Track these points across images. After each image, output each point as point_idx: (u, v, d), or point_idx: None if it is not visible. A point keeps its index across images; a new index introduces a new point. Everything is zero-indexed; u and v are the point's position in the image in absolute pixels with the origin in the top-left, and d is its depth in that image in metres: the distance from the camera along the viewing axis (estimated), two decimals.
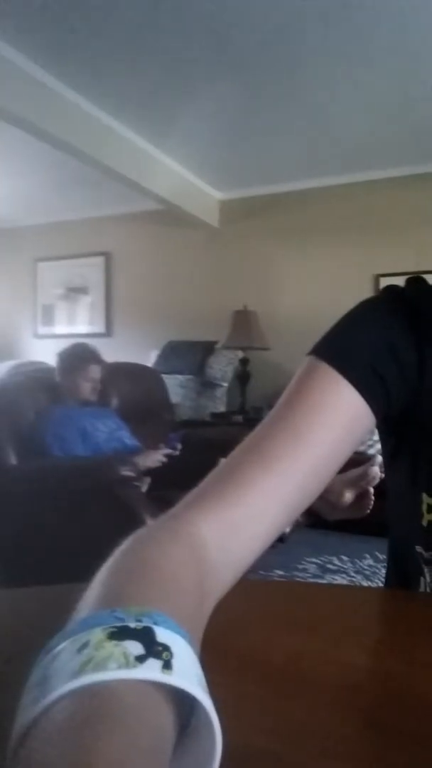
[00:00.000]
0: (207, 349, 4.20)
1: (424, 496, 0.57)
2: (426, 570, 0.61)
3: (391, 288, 0.59)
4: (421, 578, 0.63)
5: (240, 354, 4.08)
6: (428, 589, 0.62)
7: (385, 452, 0.65)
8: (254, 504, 0.43)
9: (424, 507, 0.57)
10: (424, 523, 0.58)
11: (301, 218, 4.29)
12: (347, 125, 3.36)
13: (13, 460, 2.31)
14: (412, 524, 0.59)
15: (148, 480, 2.27)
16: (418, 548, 0.60)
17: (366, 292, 4.04)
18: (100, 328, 4.98)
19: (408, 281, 0.60)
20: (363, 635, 0.54)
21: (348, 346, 0.54)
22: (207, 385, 4.10)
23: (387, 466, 0.66)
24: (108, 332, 4.97)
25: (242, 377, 4.07)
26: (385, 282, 3.99)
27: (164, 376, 3.48)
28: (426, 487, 0.57)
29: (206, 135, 3.56)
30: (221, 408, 4.08)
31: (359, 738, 0.37)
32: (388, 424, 0.55)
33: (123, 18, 2.43)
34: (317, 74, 2.84)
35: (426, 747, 0.36)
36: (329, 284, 4.20)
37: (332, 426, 0.48)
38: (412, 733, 0.38)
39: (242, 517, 0.42)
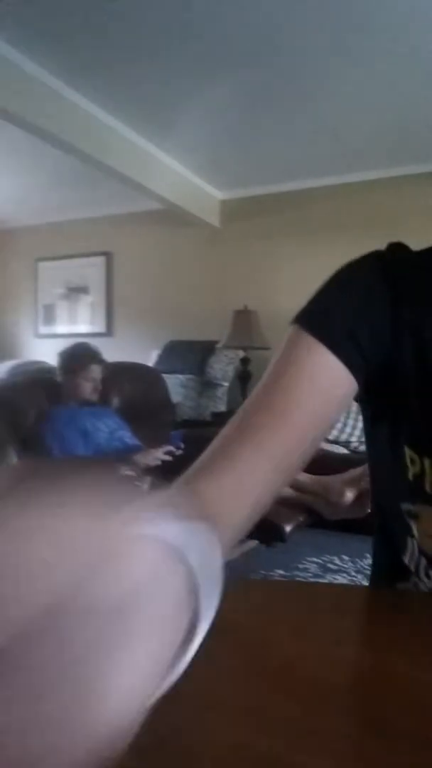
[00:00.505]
0: (208, 348, 4.20)
1: (407, 449, 0.57)
2: (413, 526, 0.61)
3: (372, 252, 0.61)
4: (408, 540, 0.63)
5: (241, 353, 4.08)
6: (416, 550, 0.62)
7: (365, 421, 0.65)
8: (244, 474, 0.43)
9: (408, 460, 0.58)
10: (410, 476, 0.58)
11: (302, 217, 4.29)
12: (348, 125, 3.36)
13: (13, 459, 2.31)
14: (397, 483, 0.60)
15: (149, 479, 2.27)
16: (405, 505, 0.60)
17: None
18: (100, 327, 4.98)
19: (389, 246, 0.61)
20: (363, 635, 0.54)
21: (325, 312, 0.55)
22: (208, 384, 4.10)
23: (368, 436, 0.66)
24: (109, 332, 4.97)
25: (243, 377, 4.07)
26: None
27: (165, 376, 3.48)
28: (408, 440, 0.57)
29: (207, 135, 3.56)
30: (222, 407, 4.08)
31: (359, 738, 0.37)
32: (368, 388, 0.55)
33: (124, 18, 2.43)
34: (317, 74, 2.84)
35: (427, 747, 0.36)
36: None
37: (312, 393, 0.49)
38: (413, 733, 0.38)
39: (234, 487, 0.42)
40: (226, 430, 0.47)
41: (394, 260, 0.59)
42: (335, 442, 3.43)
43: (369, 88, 2.95)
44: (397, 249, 0.61)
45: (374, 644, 0.51)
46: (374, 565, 0.76)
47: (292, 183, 4.26)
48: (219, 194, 4.54)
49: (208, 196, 4.45)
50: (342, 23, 2.43)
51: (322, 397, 0.49)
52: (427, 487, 0.57)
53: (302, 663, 0.47)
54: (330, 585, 0.64)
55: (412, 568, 0.65)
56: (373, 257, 0.60)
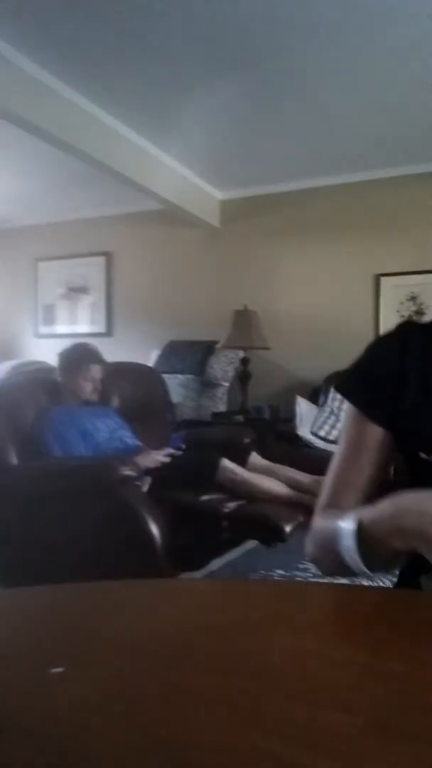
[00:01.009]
0: (207, 348, 4.20)
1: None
2: None
3: (399, 326, 0.80)
4: None
5: (241, 354, 4.08)
6: None
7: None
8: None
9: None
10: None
11: (302, 218, 4.29)
12: (348, 124, 3.36)
13: (14, 459, 2.32)
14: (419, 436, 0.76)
15: (149, 479, 2.27)
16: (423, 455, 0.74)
17: (366, 292, 4.07)
18: (100, 327, 4.97)
19: (402, 324, 0.80)
20: (363, 635, 0.54)
21: (362, 384, 0.79)
22: (208, 384, 4.10)
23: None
24: (109, 332, 4.97)
25: (243, 377, 4.07)
26: (385, 282, 4.01)
27: (165, 376, 3.48)
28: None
29: (207, 135, 3.56)
30: (222, 407, 4.08)
31: (359, 738, 0.37)
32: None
33: (124, 18, 2.43)
34: (317, 74, 2.84)
35: (426, 747, 0.36)
36: (330, 284, 4.19)
37: (371, 459, 0.77)
38: (413, 733, 0.38)
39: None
40: (329, 481, 0.78)
41: (408, 332, 0.79)
42: (335, 442, 3.43)
43: (369, 88, 2.95)
44: (409, 324, 0.80)
45: (374, 644, 0.51)
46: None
47: (292, 183, 4.25)
48: (219, 194, 4.54)
49: (208, 196, 4.45)
50: (342, 24, 2.43)
51: (379, 456, 0.77)
52: None
53: (301, 661, 0.47)
54: (330, 584, 0.64)
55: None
56: (393, 334, 0.79)
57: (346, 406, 0.78)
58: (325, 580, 0.76)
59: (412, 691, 0.43)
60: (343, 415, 3.66)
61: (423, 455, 0.72)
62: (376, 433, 0.75)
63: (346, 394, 0.79)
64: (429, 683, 0.44)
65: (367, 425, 0.75)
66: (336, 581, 0.74)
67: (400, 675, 0.45)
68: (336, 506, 0.75)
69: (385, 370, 0.76)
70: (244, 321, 4.03)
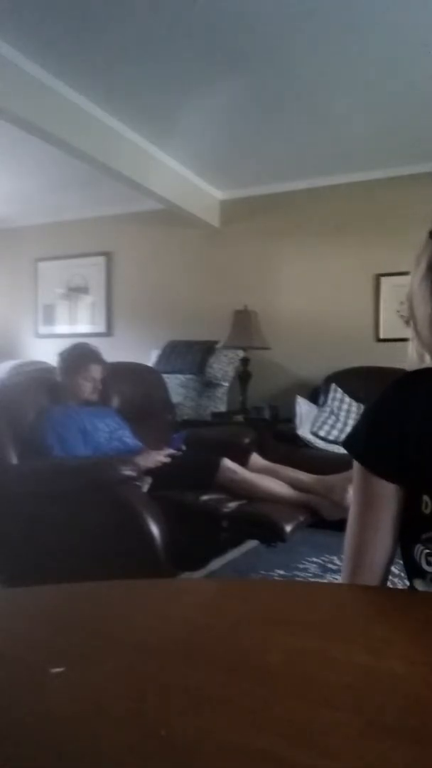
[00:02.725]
0: (208, 348, 4.20)
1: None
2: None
3: (395, 382, 0.80)
4: (419, 548, 0.75)
5: (241, 353, 4.08)
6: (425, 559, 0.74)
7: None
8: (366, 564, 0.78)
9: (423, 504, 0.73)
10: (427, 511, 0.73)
11: (302, 218, 4.28)
12: (347, 125, 3.36)
13: (14, 459, 2.32)
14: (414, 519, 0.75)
15: (149, 480, 2.27)
16: (422, 535, 0.73)
17: (366, 292, 4.07)
18: (101, 327, 4.97)
19: (404, 376, 0.79)
20: (364, 635, 0.54)
21: (369, 444, 0.79)
22: (208, 384, 4.10)
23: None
24: (109, 332, 4.96)
25: (243, 377, 4.07)
26: (385, 282, 4.00)
27: (165, 376, 3.48)
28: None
29: (207, 135, 3.56)
30: (222, 407, 4.08)
31: (359, 738, 0.37)
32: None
33: (124, 18, 2.43)
34: (317, 74, 2.84)
35: (426, 747, 0.36)
36: (329, 284, 4.19)
37: (382, 515, 0.77)
38: (413, 733, 0.38)
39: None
40: (348, 546, 0.79)
41: (407, 391, 0.78)
42: (335, 442, 3.43)
43: (369, 87, 2.95)
44: (413, 377, 0.78)
45: (374, 644, 0.51)
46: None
47: (292, 183, 4.25)
48: (219, 194, 4.54)
49: (208, 196, 4.45)
50: (342, 24, 2.43)
51: (392, 510, 0.76)
52: None
53: (302, 661, 0.47)
54: (329, 584, 0.64)
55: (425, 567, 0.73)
56: (392, 390, 0.79)
57: (354, 464, 0.79)
58: (325, 580, 0.77)
59: (413, 691, 0.43)
60: (343, 416, 3.67)
61: (426, 502, 0.72)
62: (386, 488, 0.76)
63: (353, 454, 0.80)
64: (428, 682, 0.44)
65: (377, 481, 0.76)
66: (336, 581, 0.74)
67: (401, 674, 0.45)
68: (360, 569, 0.77)
69: (389, 426, 0.77)
70: (244, 321, 4.03)
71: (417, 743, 0.37)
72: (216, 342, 4.18)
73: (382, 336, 3.98)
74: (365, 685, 0.44)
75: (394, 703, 0.41)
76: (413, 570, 0.75)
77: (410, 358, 0.78)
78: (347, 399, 3.65)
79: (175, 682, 0.44)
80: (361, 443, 0.80)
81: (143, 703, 0.41)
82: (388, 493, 0.76)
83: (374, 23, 2.43)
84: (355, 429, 0.83)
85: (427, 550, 0.71)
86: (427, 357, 0.75)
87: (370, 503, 0.78)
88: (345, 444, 0.82)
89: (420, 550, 0.72)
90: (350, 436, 0.83)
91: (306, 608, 0.60)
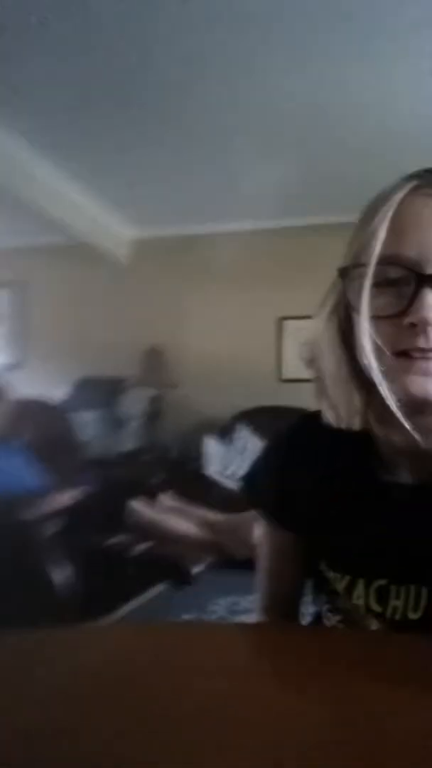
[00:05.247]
0: (118, 385, 4.15)
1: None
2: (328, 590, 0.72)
3: (287, 430, 0.76)
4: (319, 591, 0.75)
5: (151, 391, 4.08)
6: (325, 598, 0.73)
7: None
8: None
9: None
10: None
11: (209, 260, 4.41)
12: (245, 173, 3.51)
13: None
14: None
15: (55, 522, 2.17)
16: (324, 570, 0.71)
17: (270, 335, 4.24)
18: (12, 359, 4.80)
19: (296, 424, 0.76)
20: (273, 674, 0.55)
21: (262, 492, 0.76)
22: (117, 422, 4.04)
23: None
24: (21, 364, 4.78)
25: (153, 415, 4.06)
26: (288, 325, 4.20)
27: (75, 413, 3.39)
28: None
29: (116, 170, 3.59)
30: (132, 446, 4.02)
31: None
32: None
33: (24, 42, 2.40)
34: (214, 122, 2.95)
35: None
36: (236, 325, 4.33)
37: (281, 561, 0.77)
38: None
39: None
40: (261, 587, 0.79)
41: (293, 443, 0.75)
42: None
43: (272, 138, 3.12)
44: (302, 424, 0.74)
45: (282, 683, 0.52)
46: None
47: (200, 227, 4.38)
48: (129, 233, 4.58)
49: (117, 234, 4.48)
50: (244, 78, 2.58)
51: (298, 549, 0.74)
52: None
53: (214, 706, 0.47)
54: (237, 625, 0.65)
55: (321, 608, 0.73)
56: (282, 439, 0.77)
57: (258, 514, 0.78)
58: (234, 621, 0.77)
59: (309, 726, 0.44)
60: (249, 454, 3.74)
61: (322, 567, 0.70)
62: (287, 538, 0.74)
63: (250, 501, 0.78)
64: (321, 718, 0.45)
65: (278, 531, 0.74)
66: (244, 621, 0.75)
67: (296, 711, 0.47)
68: (272, 606, 0.77)
69: (284, 477, 0.73)
70: (154, 359, 4.04)
71: None
72: (127, 379, 4.15)
73: (285, 377, 4.15)
74: (275, 725, 0.45)
75: (304, 742, 0.42)
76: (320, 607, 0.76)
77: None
78: (253, 438, 3.74)
79: (80, 738, 0.43)
80: (258, 491, 0.77)
81: (49, 765, 0.39)
82: (291, 539, 0.74)
83: (277, 78, 2.60)
84: (253, 472, 0.80)
85: (329, 605, 0.72)
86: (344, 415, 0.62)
87: (276, 545, 0.76)
88: (242, 487, 0.80)
89: (323, 602, 0.73)
90: (248, 480, 0.80)
91: (215, 650, 0.60)
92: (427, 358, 0.53)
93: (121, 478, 2.78)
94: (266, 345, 4.26)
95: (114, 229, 4.41)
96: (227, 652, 0.60)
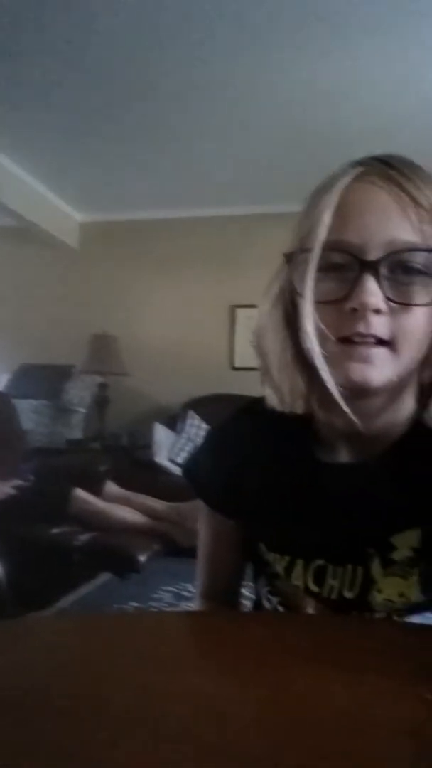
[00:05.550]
0: (63, 373, 4.05)
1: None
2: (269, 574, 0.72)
3: (240, 415, 0.76)
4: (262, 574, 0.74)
5: (99, 379, 4.00)
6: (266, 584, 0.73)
7: None
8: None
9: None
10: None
11: (162, 246, 4.36)
12: (196, 160, 3.48)
13: None
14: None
15: None
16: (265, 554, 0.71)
17: (222, 322, 4.23)
18: None
19: (242, 411, 0.75)
20: (208, 662, 0.54)
21: (204, 476, 0.76)
22: (63, 410, 3.94)
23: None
24: None
25: (101, 403, 3.99)
26: (240, 313, 4.20)
27: (16, 401, 3.28)
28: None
29: (65, 152, 3.49)
30: (78, 434, 3.94)
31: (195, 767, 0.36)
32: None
33: None
34: (173, 102, 2.89)
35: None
36: (188, 313, 4.30)
37: (222, 545, 0.77)
38: (252, 756, 0.38)
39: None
40: (200, 573, 0.79)
41: (242, 429, 0.75)
42: None
43: (223, 128, 3.12)
44: (246, 413, 0.74)
45: (218, 671, 0.51)
46: None
47: (152, 212, 4.32)
48: (79, 216, 4.46)
49: (67, 217, 4.35)
50: (206, 51, 2.55)
51: (237, 536, 0.74)
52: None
53: (145, 697, 0.46)
54: (183, 613, 0.64)
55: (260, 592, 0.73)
56: (234, 424, 0.76)
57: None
58: (180, 608, 0.77)
59: (247, 716, 0.43)
60: (200, 442, 3.72)
61: (262, 549, 0.70)
62: (227, 524, 0.74)
63: (192, 486, 0.77)
64: (257, 700, 0.45)
65: (218, 516, 0.74)
66: (190, 608, 0.73)
67: (239, 701, 0.46)
68: (211, 593, 0.77)
69: (226, 463, 0.73)
70: (102, 345, 3.96)
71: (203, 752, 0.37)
72: (72, 366, 4.05)
73: (237, 365, 4.16)
74: (191, 715, 0.43)
75: (231, 728, 0.41)
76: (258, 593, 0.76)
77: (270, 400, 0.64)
78: (204, 425, 3.73)
79: (12, 732, 0.40)
80: (200, 476, 0.76)
81: None
82: (231, 525, 0.74)
83: (229, 67, 2.59)
84: (195, 458, 0.80)
85: (268, 587, 0.72)
86: (287, 399, 0.62)
87: (216, 531, 0.76)
88: (184, 472, 0.79)
89: (262, 584, 0.73)
90: (190, 465, 0.79)
91: (151, 640, 0.59)
92: (367, 344, 0.54)
93: (67, 467, 2.71)
94: (218, 333, 4.25)
95: (62, 213, 4.28)
96: (166, 641, 0.59)
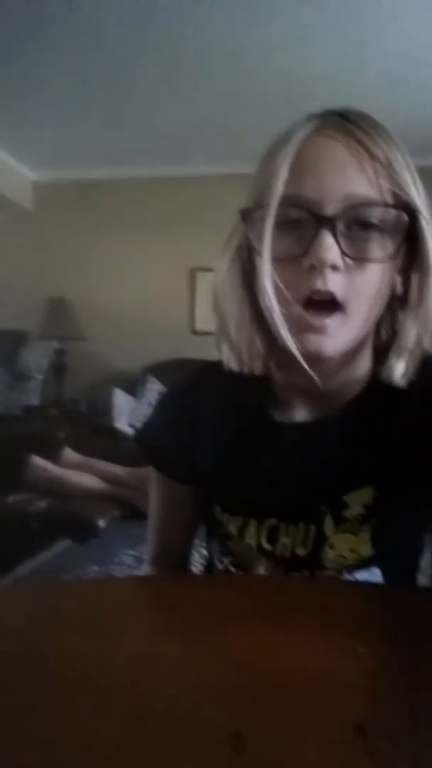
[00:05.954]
0: (18, 338, 3.94)
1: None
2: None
3: (192, 378, 0.75)
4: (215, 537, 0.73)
5: (56, 344, 3.91)
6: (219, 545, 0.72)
7: None
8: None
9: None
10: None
11: (120, 207, 4.22)
12: (155, 117, 3.33)
13: None
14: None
15: None
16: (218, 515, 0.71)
17: (182, 286, 4.16)
18: None
19: (196, 374, 0.75)
20: (147, 625, 0.53)
21: (157, 441, 0.75)
22: (19, 377, 3.85)
23: None
24: None
25: (58, 369, 3.91)
26: (200, 276, 4.13)
27: None
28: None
29: (16, 108, 3.30)
30: (35, 401, 3.86)
31: (130, 739, 0.36)
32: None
33: None
34: (130, 57, 2.75)
35: (188, 729, 0.36)
36: (147, 276, 4.21)
37: (173, 509, 0.76)
38: (177, 718, 0.37)
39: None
40: (151, 539, 0.78)
41: (197, 389, 0.74)
42: None
43: (186, 86, 3.00)
44: (202, 374, 0.74)
45: (156, 634, 0.51)
46: None
47: (108, 170, 4.14)
48: (32, 175, 4.27)
49: (19, 176, 4.15)
50: (146, 22, 2.43)
51: (190, 505, 0.75)
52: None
53: (77, 663, 0.45)
54: (124, 578, 0.65)
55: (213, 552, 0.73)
56: (185, 387, 0.75)
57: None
58: (141, 572, 0.78)
59: (183, 673, 0.43)
60: None
61: (215, 511, 0.70)
62: (180, 488, 0.74)
63: (144, 453, 0.76)
64: (199, 663, 0.45)
65: (170, 481, 0.74)
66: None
67: (174, 659, 0.45)
68: (161, 556, 0.77)
69: (179, 426, 0.72)
70: (59, 310, 3.86)
71: (179, 726, 0.37)
72: (27, 332, 3.94)
73: (198, 329, 4.12)
74: (138, 680, 0.43)
75: (164, 686, 0.41)
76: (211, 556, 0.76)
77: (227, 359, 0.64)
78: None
79: None
80: (153, 442, 0.75)
81: None
82: (183, 490, 0.73)
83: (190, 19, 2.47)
84: (147, 424, 0.78)
85: (220, 548, 0.72)
86: (245, 359, 0.62)
87: (167, 496, 0.76)
88: (136, 439, 0.78)
89: (215, 545, 0.73)
90: (142, 431, 0.78)
91: (99, 606, 0.58)
92: (322, 314, 0.54)
93: (23, 434, 2.67)
94: (178, 296, 4.18)
95: (14, 172, 4.07)
96: (114, 607, 0.58)
